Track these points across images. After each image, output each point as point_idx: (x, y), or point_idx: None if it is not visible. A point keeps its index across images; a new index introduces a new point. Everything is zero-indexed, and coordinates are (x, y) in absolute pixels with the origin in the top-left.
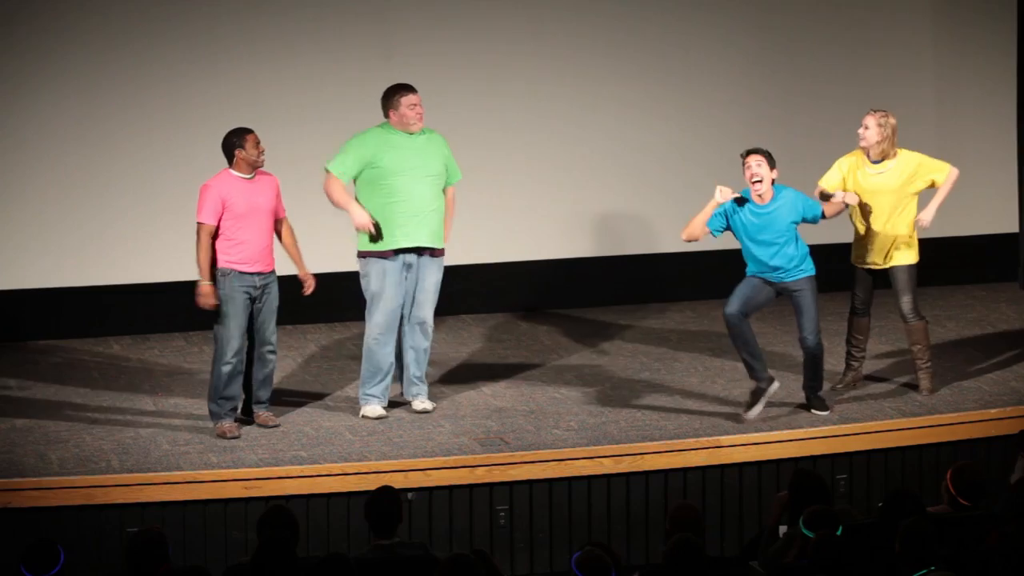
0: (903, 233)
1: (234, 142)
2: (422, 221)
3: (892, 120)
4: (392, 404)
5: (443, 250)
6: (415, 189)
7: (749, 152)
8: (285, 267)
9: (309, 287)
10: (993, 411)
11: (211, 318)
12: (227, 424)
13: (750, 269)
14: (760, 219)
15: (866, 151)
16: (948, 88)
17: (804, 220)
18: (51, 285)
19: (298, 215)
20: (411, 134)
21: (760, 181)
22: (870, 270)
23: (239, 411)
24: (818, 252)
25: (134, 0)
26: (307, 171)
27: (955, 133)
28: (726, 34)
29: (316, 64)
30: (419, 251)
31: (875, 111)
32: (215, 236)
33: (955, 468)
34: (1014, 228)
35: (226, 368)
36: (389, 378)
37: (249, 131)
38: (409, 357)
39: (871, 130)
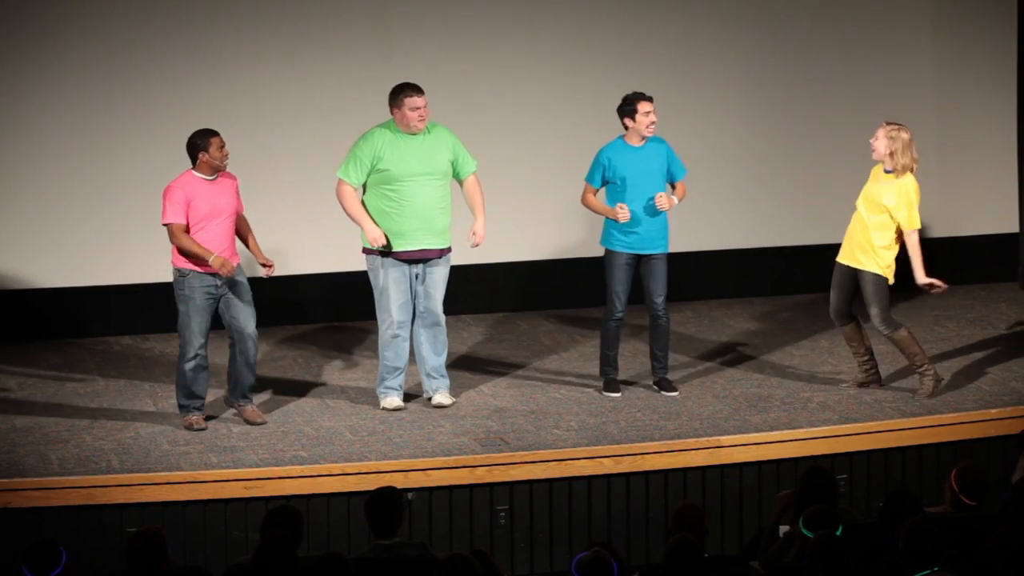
0: (875, 243)
1: (198, 144)
2: (427, 225)
3: (904, 135)
4: (408, 396)
5: (449, 248)
6: (420, 193)
7: (649, 98)
8: (284, 269)
9: (270, 271)
10: (993, 411)
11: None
12: (194, 417)
13: (617, 244)
14: (638, 157)
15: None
16: (948, 88)
17: (670, 172)
18: (51, 285)
19: (298, 215)
20: (414, 134)
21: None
22: (845, 267)
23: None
24: (815, 252)
25: (134, 1)
26: (307, 170)
27: (955, 133)
28: (726, 35)
29: (316, 64)
30: (424, 252)
31: (887, 123)
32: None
33: (960, 468)
34: (1014, 228)
35: (189, 365)
36: (405, 372)
37: (214, 133)
38: (425, 351)
39: (880, 141)
